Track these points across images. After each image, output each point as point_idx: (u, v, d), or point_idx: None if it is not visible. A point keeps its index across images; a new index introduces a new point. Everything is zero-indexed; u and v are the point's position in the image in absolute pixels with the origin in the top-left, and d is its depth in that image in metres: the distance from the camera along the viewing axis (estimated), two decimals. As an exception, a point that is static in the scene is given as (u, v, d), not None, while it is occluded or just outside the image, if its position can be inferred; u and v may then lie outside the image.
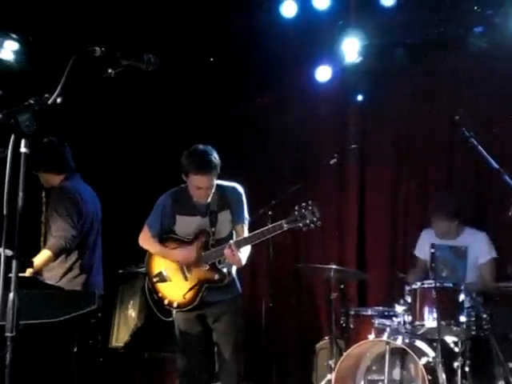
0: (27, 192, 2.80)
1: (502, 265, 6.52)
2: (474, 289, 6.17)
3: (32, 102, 2.83)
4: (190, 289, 5.28)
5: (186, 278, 5.35)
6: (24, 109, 2.79)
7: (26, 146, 2.77)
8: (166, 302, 5.41)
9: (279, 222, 4.98)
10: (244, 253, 5.23)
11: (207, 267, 5.26)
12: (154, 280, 5.46)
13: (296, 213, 4.94)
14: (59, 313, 4.64)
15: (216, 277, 5.24)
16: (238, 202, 5.40)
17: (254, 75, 8.06)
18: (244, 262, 5.22)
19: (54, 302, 4.69)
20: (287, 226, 4.94)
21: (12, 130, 2.76)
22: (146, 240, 5.56)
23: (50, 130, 5.14)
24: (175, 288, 5.37)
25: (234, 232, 5.41)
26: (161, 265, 5.47)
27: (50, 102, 2.88)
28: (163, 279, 5.43)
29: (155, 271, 5.49)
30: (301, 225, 4.92)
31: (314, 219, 4.91)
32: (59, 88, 2.89)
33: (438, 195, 6.94)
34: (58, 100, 2.89)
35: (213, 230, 5.30)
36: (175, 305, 5.36)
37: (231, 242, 5.11)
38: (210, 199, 5.30)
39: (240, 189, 5.45)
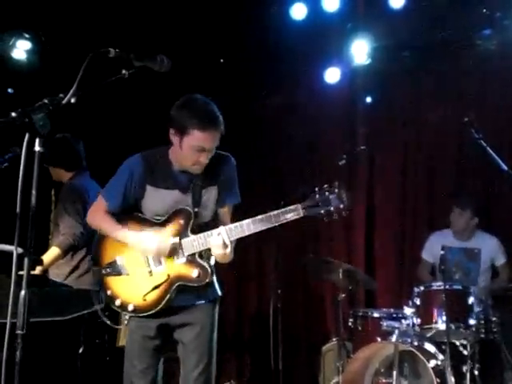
0: (38, 190, 2.81)
1: (510, 269, 6.58)
2: (489, 291, 6.22)
3: (46, 101, 2.84)
4: (155, 287, 3.98)
5: (150, 273, 4.02)
6: (38, 108, 2.80)
7: (39, 145, 2.78)
8: (117, 302, 4.06)
9: (294, 206, 3.76)
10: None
11: (184, 260, 3.96)
12: (104, 272, 4.10)
13: (317, 196, 3.75)
14: (67, 311, 4.66)
15: (195, 274, 3.95)
16: (230, 176, 4.18)
17: (264, 77, 8.07)
18: (231, 257, 4.01)
19: (63, 301, 4.71)
20: (304, 212, 3.75)
21: (26, 128, 2.76)
22: (97, 215, 4.18)
23: (64, 128, 5.16)
24: (134, 285, 4.04)
25: (217, 215, 4.18)
26: (116, 251, 4.11)
27: (64, 101, 2.89)
28: (117, 271, 4.08)
29: (107, 259, 4.13)
30: (322, 212, 3.75)
31: (341, 206, 3.74)
32: (74, 88, 2.90)
33: (459, 193, 6.99)
34: (73, 100, 2.90)
35: (195, 210, 4.01)
36: (130, 308, 4.03)
37: (222, 228, 3.85)
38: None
39: (233, 161, 4.22)
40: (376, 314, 6.43)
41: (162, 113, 3.90)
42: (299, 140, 8.32)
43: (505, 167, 5.30)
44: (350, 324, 6.55)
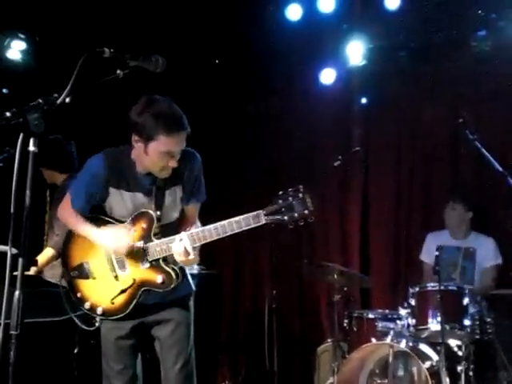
0: (32, 191, 2.80)
1: (506, 271, 6.57)
2: (476, 293, 6.22)
3: (41, 101, 2.84)
4: (122, 292, 3.94)
5: (116, 277, 3.98)
6: (33, 108, 2.79)
7: (34, 145, 2.78)
8: (86, 305, 4.04)
9: (256, 213, 3.55)
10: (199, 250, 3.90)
11: (148, 265, 3.89)
12: (72, 274, 4.08)
13: (280, 201, 3.53)
14: (62, 312, 4.65)
15: (159, 279, 3.87)
16: (195, 173, 4.02)
17: (259, 78, 8.08)
18: (196, 261, 3.90)
19: (58, 301, 4.70)
20: (267, 218, 3.54)
21: (21, 128, 2.76)
22: (66, 210, 4.13)
23: (57, 129, 5.14)
24: (101, 288, 4.01)
25: (183, 213, 4.08)
26: (83, 254, 4.08)
27: (58, 101, 2.88)
28: (84, 275, 4.05)
29: (75, 262, 4.10)
30: (286, 218, 3.51)
31: (306, 212, 3.50)
32: (68, 88, 2.89)
33: (453, 191, 6.99)
34: (67, 100, 2.89)
35: (158, 213, 3.90)
36: (99, 311, 4.00)
37: (184, 234, 3.72)
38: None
39: (198, 157, 4.06)
40: (371, 315, 6.43)
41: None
42: (294, 141, 8.31)
43: (499, 168, 5.31)
44: (345, 325, 6.55)
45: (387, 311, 6.38)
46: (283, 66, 7.90)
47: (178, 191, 3.99)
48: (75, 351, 5.23)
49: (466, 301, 5.78)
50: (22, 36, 7.25)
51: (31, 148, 2.78)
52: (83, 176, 4.07)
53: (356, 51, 7.57)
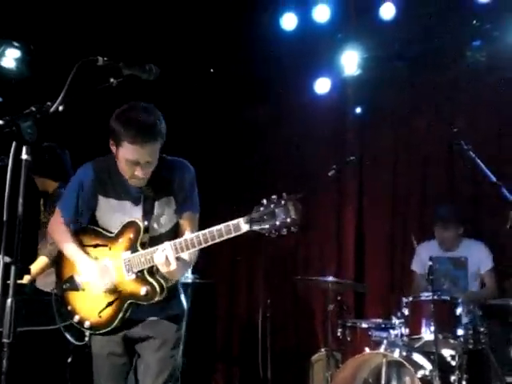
0: (26, 199, 2.80)
1: (500, 278, 6.59)
2: (477, 298, 6.24)
3: (34, 109, 2.84)
4: (109, 304, 3.83)
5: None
6: (26, 116, 2.79)
7: (27, 153, 2.77)
8: (76, 318, 3.94)
9: (236, 221, 3.39)
10: (185, 261, 3.78)
11: (133, 276, 3.76)
12: (64, 286, 3.99)
13: (262, 209, 3.31)
14: (55, 321, 4.64)
15: (143, 291, 3.74)
16: (185, 182, 3.90)
17: (254, 87, 8.09)
18: (183, 273, 3.91)
19: (51, 310, 4.69)
20: (247, 226, 3.35)
21: (14, 136, 2.76)
22: (55, 228, 4.07)
23: (51, 137, 5.15)
24: (90, 301, 3.90)
25: (179, 226, 3.94)
26: (74, 266, 3.97)
27: (51, 109, 2.88)
28: (74, 287, 3.95)
29: (67, 274, 4.00)
30: (267, 227, 3.29)
31: (288, 220, 3.26)
32: (61, 96, 2.89)
33: (441, 206, 6.97)
34: (60, 108, 2.89)
35: (145, 223, 3.78)
36: (87, 324, 3.90)
37: (167, 243, 3.58)
38: (146, 181, 3.83)
39: (190, 167, 3.96)
40: (365, 325, 6.43)
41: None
42: (289, 150, 8.32)
43: (493, 178, 5.30)
44: (338, 334, 6.53)
45: (381, 321, 6.37)
46: (278, 75, 7.92)
47: (170, 202, 3.89)
48: (69, 360, 5.22)
49: (459, 310, 5.78)
50: (17, 44, 7.25)
51: (24, 156, 2.77)
52: (72, 186, 4.03)
53: (351, 61, 7.60)
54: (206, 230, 3.50)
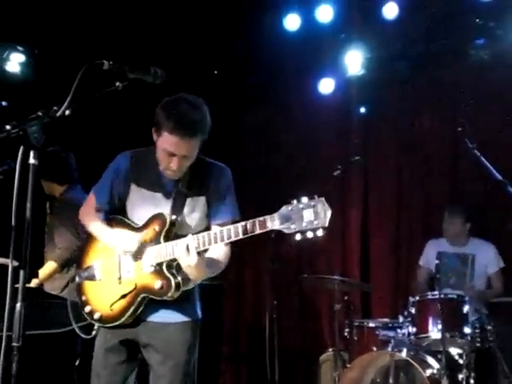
0: (33, 203, 2.80)
1: (508, 276, 6.59)
2: (483, 296, 6.25)
3: (40, 113, 2.84)
4: (122, 297, 3.68)
5: (119, 280, 3.73)
6: (33, 120, 2.80)
7: (34, 158, 2.78)
8: (87, 309, 3.82)
9: (263, 218, 3.26)
10: (212, 261, 3.67)
11: (151, 269, 3.61)
12: (82, 275, 3.90)
13: (290, 208, 3.18)
14: (63, 323, 4.65)
15: (157, 285, 3.57)
16: (221, 189, 3.79)
17: (258, 87, 8.10)
18: (206, 274, 3.63)
19: (58, 313, 4.70)
20: (274, 224, 3.23)
21: (21, 141, 2.77)
22: (86, 211, 4.01)
23: (57, 141, 5.16)
24: (104, 292, 3.77)
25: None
26: (95, 255, 3.90)
27: (58, 114, 2.89)
28: (91, 276, 3.86)
29: (86, 263, 3.92)
30: (293, 227, 3.17)
31: (315, 223, 3.12)
32: (68, 100, 2.90)
33: (451, 203, 7.02)
34: (67, 112, 2.90)
35: (173, 217, 3.66)
36: (96, 316, 3.77)
37: (190, 236, 3.44)
38: (181, 174, 3.73)
39: (228, 172, 3.86)
40: (372, 324, 6.44)
41: (153, 124, 3.85)
42: (293, 150, 8.33)
43: (499, 176, 5.30)
44: (345, 334, 6.54)
45: (388, 320, 6.39)
46: (282, 75, 7.93)
47: (202, 203, 3.77)
48: (76, 363, 5.24)
49: (466, 309, 5.79)
50: (21, 49, 7.27)
51: (31, 160, 2.78)
52: (108, 172, 3.93)
53: (354, 61, 7.60)
54: (231, 226, 3.38)
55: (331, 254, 8.07)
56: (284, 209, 3.20)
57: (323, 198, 3.17)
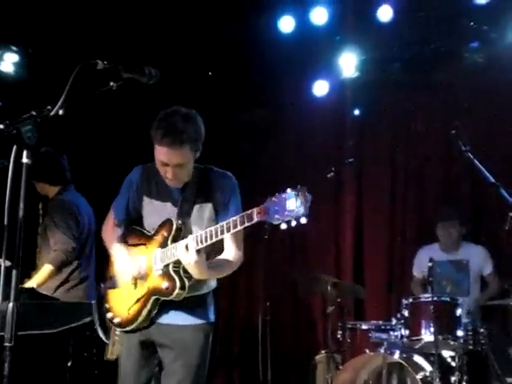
0: (26, 203, 2.80)
1: (499, 279, 6.60)
2: (484, 299, 6.28)
3: (34, 113, 2.84)
4: (137, 301, 3.88)
5: (135, 285, 3.94)
6: (26, 120, 2.80)
7: (27, 157, 2.78)
8: (109, 315, 4.04)
9: (250, 211, 3.45)
10: (218, 262, 3.90)
11: (160, 272, 3.79)
12: (107, 285, 4.16)
13: (274, 200, 3.34)
14: (56, 324, 4.65)
15: (164, 285, 3.75)
16: (226, 194, 3.94)
17: (252, 89, 8.09)
18: (210, 273, 3.82)
19: (51, 313, 4.70)
20: (259, 217, 3.39)
21: (14, 140, 2.76)
22: (106, 229, 4.26)
23: (50, 141, 5.15)
24: (123, 298, 3.99)
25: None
26: (115, 265, 4.12)
27: (52, 113, 2.88)
28: (113, 284, 4.10)
29: (110, 273, 4.16)
30: (277, 217, 3.29)
31: (296, 211, 3.24)
32: (61, 100, 2.89)
33: (444, 207, 7.03)
34: (60, 112, 2.89)
35: (179, 222, 3.83)
36: (116, 321, 3.98)
37: (190, 236, 3.66)
38: (182, 183, 3.92)
39: (233, 179, 4.04)
40: (364, 326, 6.44)
41: (148, 125, 3.88)
42: (287, 152, 8.33)
43: (492, 179, 5.31)
44: (338, 336, 6.54)
45: (381, 322, 6.39)
46: (276, 77, 7.91)
47: (208, 209, 3.93)
48: (69, 364, 5.22)
49: (459, 311, 5.81)
50: (15, 49, 7.26)
51: (25, 160, 2.78)
52: (123, 187, 4.13)
53: (349, 63, 7.61)
54: (224, 222, 3.56)
55: (324, 257, 8.07)
56: (268, 200, 3.35)
57: (305, 187, 3.30)
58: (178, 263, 3.74)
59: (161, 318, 3.87)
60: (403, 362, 5.74)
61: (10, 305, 2.76)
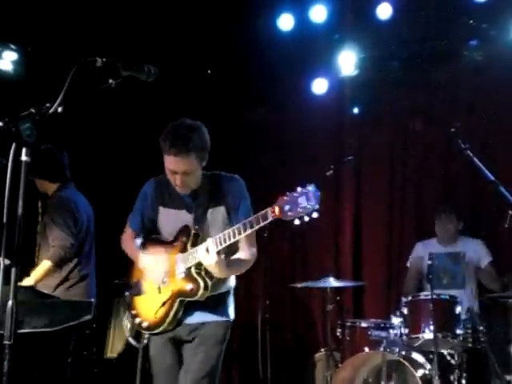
0: (25, 201, 2.80)
1: (498, 274, 6.61)
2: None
3: (33, 110, 2.84)
4: (163, 304, 4.14)
5: (159, 290, 4.19)
6: (25, 117, 2.79)
7: (26, 155, 2.78)
8: (137, 320, 4.29)
9: (264, 211, 3.73)
10: (235, 261, 4.15)
11: (182, 275, 4.08)
12: (132, 292, 4.40)
13: (286, 199, 3.63)
14: (55, 322, 4.65)
15: (188, 287, 4.03)
16: (236, 197, 4.20)
17: (251, 87, 8.08)
18: (229, 271, 4.12)
19: (51, 312, 4.70)
20: (273, 216, 3.68)
21: (13, 138, 2.76)
22: (125, 240, 4.53)
23: (50, 138, 5.15)
24: (149, 303, 4.25)
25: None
26: (138, 273, 4.39)
27: (51, 111, 2.88)
28: (137, 291, 4.36)
29: (134, 280, 4.44)
30: (291, 214, 3.60)
31: (308, 207, 3.57)
32: (60, 97, 2.89)
33: (444, 203, 7.05)
34: (59, 109, 2.89)
35: (196, 227, 4.12)
36: (145, 325, 4.24)
37: (209, 239, 3.93)
38: (191, 189, 4.18)
39: (241, 181, 4.30)
40: (364, 324, 6.44)
41: (147, 123, 3.91)
42: (286, 151, 8.32)
43: (491, 177, 5.31)
44: (338, 334, 6.55)
45: (380, 320, 6.39)
46: (275, 75, 7.90)
47: (221, 212, 4.19)
48: (68, 362, 5.22)
49: (458, 309, 5.81)
50: (14, 47, 7.26)
51: (24, 158, 2.78)
52: (137, 200, 4.44)
53: (348, 61, 7.60)
54: (240, 223, 3.85)
55: (323, 254, 8.06)
56: (280, 199, 3.65)
57: (313, 184, 3.64)
58: (199, 265, 4.01)
59: (186, 319, 4.15)
60: (402, 360, 5.75)
61: (9, 303, 2.76)
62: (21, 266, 2.78)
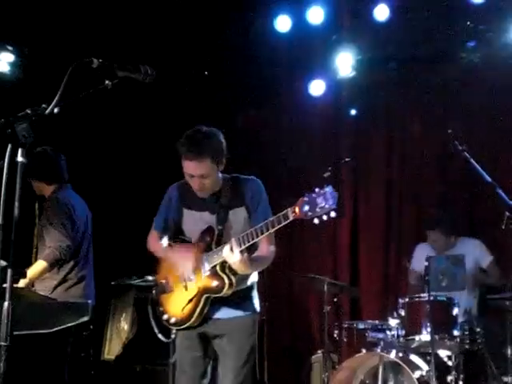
0: (21, 203, 2.79)
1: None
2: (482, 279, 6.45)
3: (29, 111, 2.84)
4: (189, 301, 4.34)
5: (185, 287, 4.38)
6: (21, 118, 2.79)
7: (22, 156, 2.77)
8: (165, 317, 4.50)
9: (285, 211, 3.91)
10: (256, 258, 4.30)
11: (208, 273, 4.27)
12: (158, 290, 4.61)
13: (305, 199, 3.81)
14: (52, 324, 4.64)
15: (214, 284, 4.23)
16: (255, 197, 4.42)
17: (248, 89, 8.07)
18: (252, 268, 4.29)
19: (48, 313, 4.69)
20: (294, 216, 3.87)
21: (9, 139, 2.76)
22: (151, 240, 4.71)
23: (46, 140, 5.14)
24: (176, 300, 4.45)
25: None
26: (165, 272, 4.59)
27: (47, 112, 2.88)
28: (162, 289, 4.55)
29: (160, 279, 4.63)
30: (310, 214, 3.79)
31: (326, 207, 3.72)
32: (57, 98, 2.89)
33: (433, 213, 7.01)
34: (56, 110, 2.89)
35: (219, 228, 4.34)
36: (172, 321, 4.44)
37: (232, 239, 4.12)
38: (209, 192, 4.38)
39: (258, 182, 4.55)
40: (361, 326, 6.44)
41: (145, 124, 3.91)
42: (284, 152, 8.32)
43: (488, 178, 5.32)
44: (335, 336, 6.56)
45: (377, 322, 6.38)
46: (272, 77, 7.91)
47: (242, 213, 4.39)
48: (66, 364, 5.22)
49: (455, 311, 5.81)
50: (11, 48, 7.25)
51: (19, 159, 2.77)
52: (162, 204, 4.64)
53: (345, 62, 7.61)
54: (262, 223, 4.03)
55: (321, 256, 8.07)
56: (300, 200, 3.83)
57: (331, 185, 3.79)
58: (223, 263, 4.20)
59: (213, 314, 4.34)
60: (399, 362, 5.75)
61: (5, 304, 2.76)
62: (18, 267, 2.78)
